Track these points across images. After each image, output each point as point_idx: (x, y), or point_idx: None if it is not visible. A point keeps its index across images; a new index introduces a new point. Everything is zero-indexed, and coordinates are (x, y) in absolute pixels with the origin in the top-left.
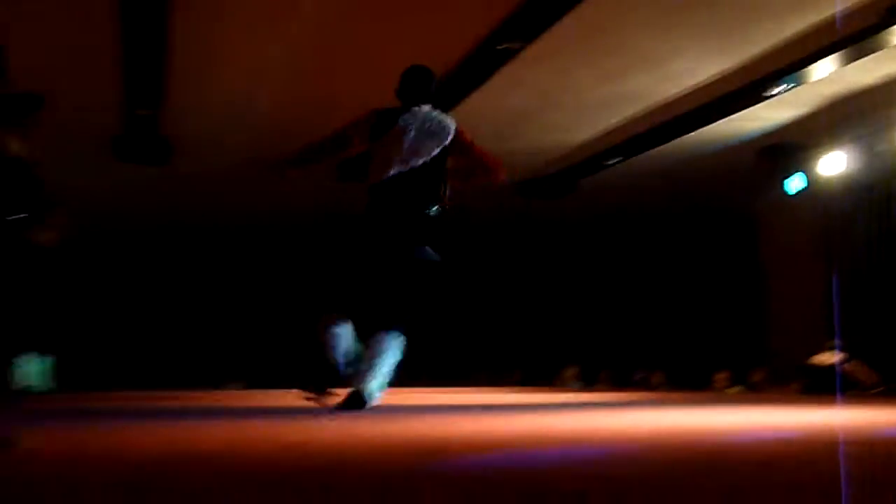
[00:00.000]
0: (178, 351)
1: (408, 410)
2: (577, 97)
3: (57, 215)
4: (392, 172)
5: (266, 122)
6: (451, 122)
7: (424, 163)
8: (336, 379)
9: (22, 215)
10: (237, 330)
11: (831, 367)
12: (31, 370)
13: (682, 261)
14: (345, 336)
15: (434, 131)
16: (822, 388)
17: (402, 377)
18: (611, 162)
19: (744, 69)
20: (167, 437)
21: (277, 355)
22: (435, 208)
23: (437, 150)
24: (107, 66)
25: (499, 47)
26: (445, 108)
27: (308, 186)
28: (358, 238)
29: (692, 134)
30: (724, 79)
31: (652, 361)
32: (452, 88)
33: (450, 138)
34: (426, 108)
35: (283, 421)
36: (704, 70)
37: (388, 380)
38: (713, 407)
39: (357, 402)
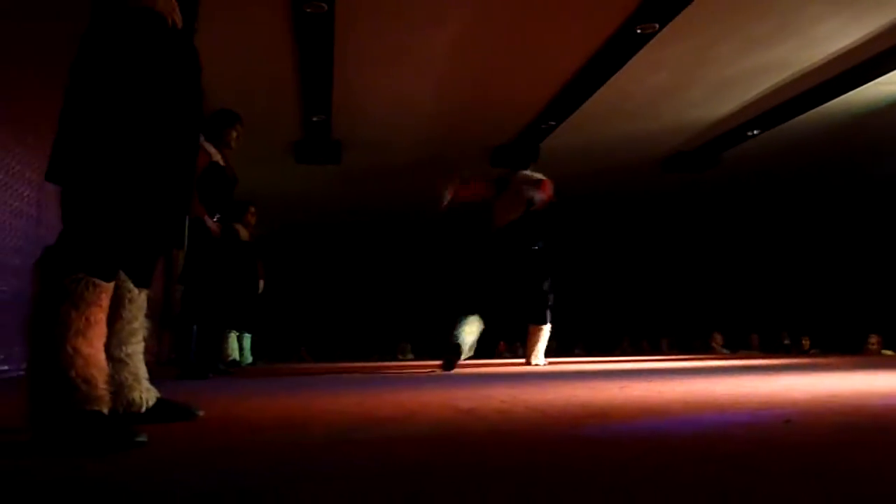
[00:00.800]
0: (356, 326)
1: (568, 377)
2: (717, 72)
3: (250, 214)
4: (511, 219)
5: (428, 119)
6: (541, 178)
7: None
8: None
9: (218, 216)
10: (406, 306)
11: None
12: (238, 346)
13: (830, 226)
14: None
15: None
16: None
17: (558, 350)
18: (752, 133)
19: (888, 31)
20: (355, 402)
21: (434, 332)
22: (539, 244)
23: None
24: (286, 82)
25: (637, 30)
26: (590, 92)
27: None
28: (490, 262)
29: (836, 100)
30: (867, 42)
31: (800, 326)
32: (594, 72)
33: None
34: (526, 171)
35: (457, 389)
36: (847, 34)
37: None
38: (871, 370)
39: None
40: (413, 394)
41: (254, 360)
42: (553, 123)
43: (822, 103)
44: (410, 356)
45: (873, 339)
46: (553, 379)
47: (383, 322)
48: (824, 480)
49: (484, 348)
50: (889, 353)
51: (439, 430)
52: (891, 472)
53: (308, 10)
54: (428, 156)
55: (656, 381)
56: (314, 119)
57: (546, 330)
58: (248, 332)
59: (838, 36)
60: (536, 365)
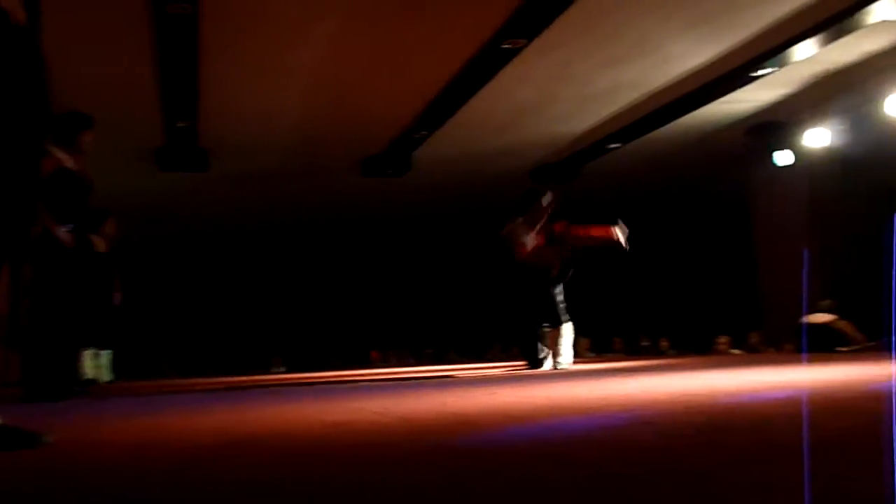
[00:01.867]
0: (224, 340)
1: (439, 385)
2: (579, 88)
3: (107, 223)
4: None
5: (299, 127)
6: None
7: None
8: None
9: (71, 225)
10: (277, 319)
11: (823, 325)
12: (94, 363)
13: (682, 236)
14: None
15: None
16: (815, 345)
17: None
18: (611, 147)
19: (733, 53)
20: (212, 423)
21: (312, 341)
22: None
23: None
24: (146, 85)
25: (503, 45)
26: (460, 104)
27: (336, 183)
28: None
29: (686, 117)
30: (715, 62)
31: (659, 328)
32: (463, 87)
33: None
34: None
35: (327, 402)
36: (698, 55)
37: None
38: (718, 369)
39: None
40: (284, 409)
41: (112, 377)
42: (425, 133)
43: (672, 120)
44: (282, 370)
45: (722, 339)
46: (426, 388)
47: (254, 335)
48: (679, 480)
49: (358, 356)
50: (736, 352)
51: (306, 446)
52: (735, 469)
53: (171, 11)
54: (298, 164)
55: (525, 386)
56: (179, 125)
57: (563, 330)
58: (106, 349)
59: (689, 56)
60: (559, 367)
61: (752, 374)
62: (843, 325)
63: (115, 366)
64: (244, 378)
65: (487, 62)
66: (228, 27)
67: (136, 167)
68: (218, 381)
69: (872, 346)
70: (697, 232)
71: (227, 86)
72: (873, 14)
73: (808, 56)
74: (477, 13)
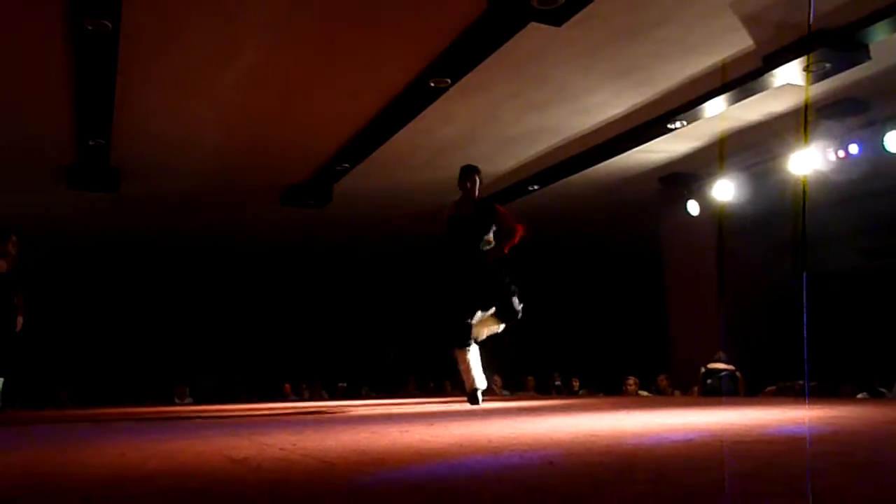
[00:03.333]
0: (128, 368)
1: (352, 422)
2: (501, 130)
3: (10, 242)
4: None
5: (216, 152)
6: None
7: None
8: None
9: None
10: (186, 347)
11: (723, 372)
12: None
13: (597, 278)
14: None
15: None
16: (716, 391)
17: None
18: (531, 189)
19: (649, 105)
20: (105, 456)
21: (223, 372)
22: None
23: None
24: (61, 101)
25: (431, 83)
26: (383, 139)
27: (254, 212)
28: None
29: (604, 163)
30: (632, 113)
31: (571, 368)
32: (387, 122)
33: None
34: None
35: (233, 437)
36: (616, 105)
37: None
38: (625, 410)
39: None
40: (188, 443)
41: (2, 405)
42: (347, 166)
43: (591, 165)
44: (189, 400)
45: (631, 380)
46: (337, 424)
47: (160, 364)
48: None
49: (270, 389)
50: (644, 393)
51: (209, 484)
52: None
53: (90, 28)
54: (214, 190)
55: (436, 423)
56: (90, 143)
57: (468, 352)
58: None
59: (608, 106)
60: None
61: (658, 415)
62: (740, 376)
63: (7, 393)
64: (148, 409)
65: (414, 99)
66: (148, 47)
67: (45, 185)
68: (119, 411)
69: (771, 390)
70: (611, 275)
71: (144, 106)
72: (778, 77)
73: (718, 112)
74: (406, 50)
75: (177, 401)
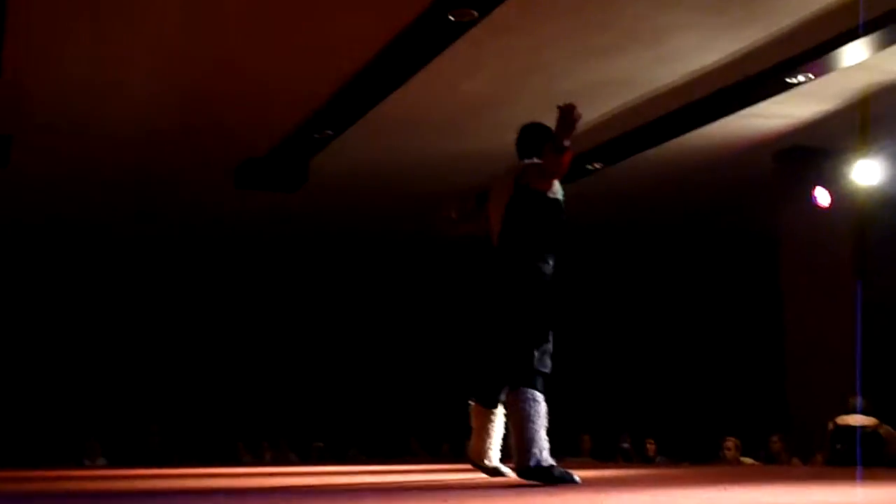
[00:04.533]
0: (19, 416)
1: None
2: (548, 83)
3: None
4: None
5: (143, 115)
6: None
7: None
8: None
9: None
10: (96, 388)
11: (862, 430)
12: None
13: (682, 293)
14: None
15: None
16: (851, 456)
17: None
18: (591, 168)
19: (758, 52)
20: None
21: (146, 421)
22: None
23: None
24: None
25: (450, 16)
26: (382, 95)
27: (198, 197)
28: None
29: (694, 133)
30: (733, 63)
31: (643, 426)
32: (385, 71)
33: None
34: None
35: None
36: (710, 51)
37: None
38: (722, 485)
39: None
40: None
41: None
42: (329, 133)
43: (676, 135)
44: (102, 461)
45: (730, 443)
46: (310, 496)
47: (64, 411)
48: None
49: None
50: (748, 460)
51: None
52: None
53: None
54: (143, 164)
55: (451, 499)
56: None
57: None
58: None
59: (702, 51)
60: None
61: (769, 493)
62: (887, 430)
63: None
64: (39, 473)
65: (427, 38)
66: None
67: None
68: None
69: None
70: (701, 294)
71: (47, 42)
72: None
73: (859, 61)
74: None
75: (86, 461)
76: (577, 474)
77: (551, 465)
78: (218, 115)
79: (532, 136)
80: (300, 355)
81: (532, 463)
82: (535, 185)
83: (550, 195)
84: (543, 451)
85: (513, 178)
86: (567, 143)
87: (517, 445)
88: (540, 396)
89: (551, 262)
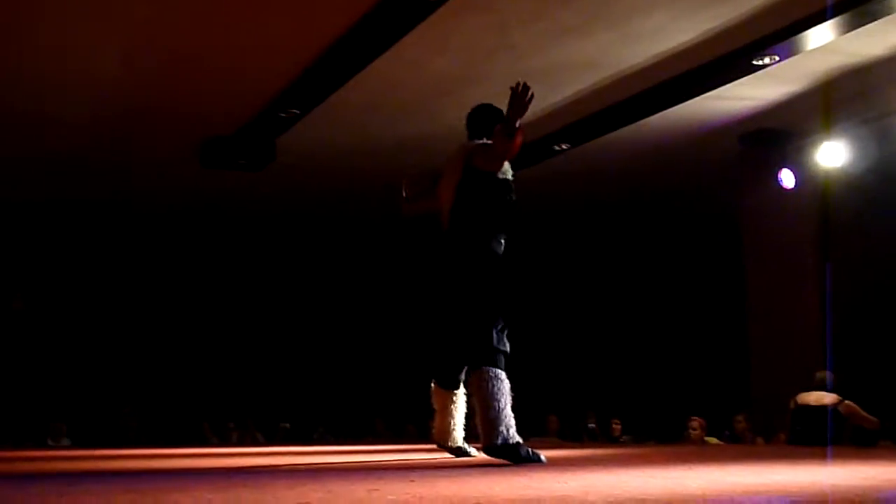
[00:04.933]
0: None
1: (300, 474)
2: (515, 63)
3: None
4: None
5: (107, 94)
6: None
7: None
8: None
9: None
10: (62, 367)
11: (822, 408)
12: None
13: (645, 274)
14: None
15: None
16: (811, 435)
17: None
18: (558, 148)
19: (725, 33)
20: None
21: (111, 400)
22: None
23: None
24: None
25: None
26: (345, 78)
27: (163, 177)
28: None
29: (660, 114)
30: (701, 44)
31: (609, 406)
32: (353, 50)
33: None
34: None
35: (132, 495)
36: (680, 31)
37: None
38: (687, 464)
39: None
40: (66, 501)
41: None
42: (296, 112)
43: (641, 117)
44: (65, 442)
45: (695, 422)
46: (279, 478)
47: (27, 389)
48: None
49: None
50: (713, 440)
51: None
52: None
53: None
54: (106, 146)
55: (419, 479)
56: None
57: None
58: None
59: (668, 32)
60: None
61: (733, 472)
62: (848, 408)
63: None
64: (3, 453)
65: (394, 16)
66: None
67: None
68: None
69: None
70: (670, 274)
71: (7, 22)
72: None
73: (824, 43)
74: None
75: (50, 442)
76: (543, 454)
77: (518, 443)
78: (183, 93)
79: (482, 116)
80: (266, 336)
81: (499, 441)
82: (484, 167)
83: (500, 175)
84: (510, 428)
85: (461, 159)
86: (517, 124)
87: (483, 424)
88: (502, 374)
89: (502, 242)
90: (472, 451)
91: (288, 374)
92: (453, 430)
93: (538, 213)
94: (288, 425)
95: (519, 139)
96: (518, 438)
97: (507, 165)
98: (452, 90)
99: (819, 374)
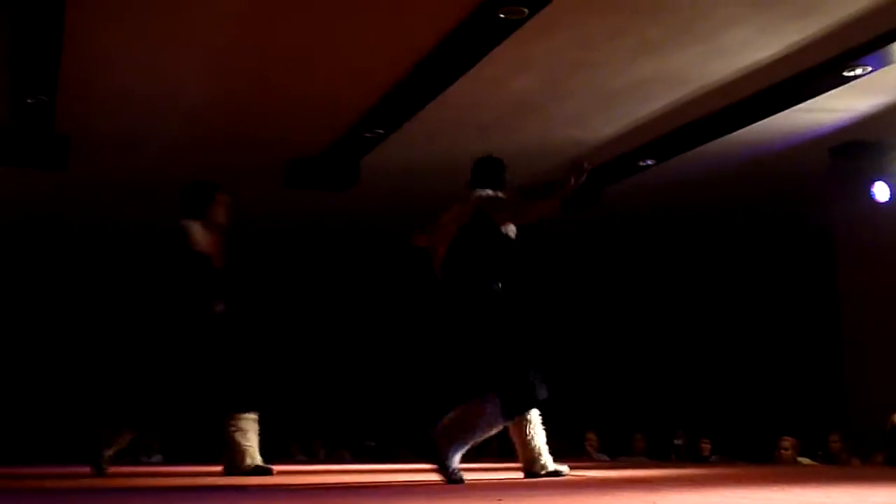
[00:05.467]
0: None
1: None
2: (599, 80)
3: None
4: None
5: (193, 118)
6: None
7: None
8: None
9: None
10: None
11: None
12: None
13: (735, 292)
14: None
15: None
16: None
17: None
18: (643, 164)
19: (815, 45)
20: None
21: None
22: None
23: None
24: None
25: (500, 14)
26: (433, 94)
27: (248, 197)
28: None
29: (748, 128)
30: (789, 56)
31: (698, 425)
32: (436, 71)
33: None
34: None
35: None
36: (765, 44)
37: None
38: (779, 485)
39: None
40: None
41: None
42: (380, 132)
43: (729, 131)
44: (158, 457)
45: (787, 442)
46: (363, 494)
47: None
48: None
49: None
50: (806, 461)
51: None
52: None
53: None
54: (193, 168)
55: (505, 498)
56: (29, 101)
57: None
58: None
59: (755, 46)
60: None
61: (829, 494)
62: None
63: None
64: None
65: (476, 36)
66: None
67: None
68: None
69: None
70: (758, 292)
71: (103, 52)
72: None
73: None
74: None
75: (143, 458)
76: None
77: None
78: (267, 116)
79: (491, 169)
80: (353, 357)
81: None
82: (509, 218)
83: (503, 230)
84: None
85: (472, 206)
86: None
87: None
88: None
89: (500, 287)
90: (564, 469)
91: (375, 392)
92: (538, 457)
93: (624, 228)
94: (373, 443)
95: (556, 209)
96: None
97: (512, 226)
98: (534, 109)
99: None
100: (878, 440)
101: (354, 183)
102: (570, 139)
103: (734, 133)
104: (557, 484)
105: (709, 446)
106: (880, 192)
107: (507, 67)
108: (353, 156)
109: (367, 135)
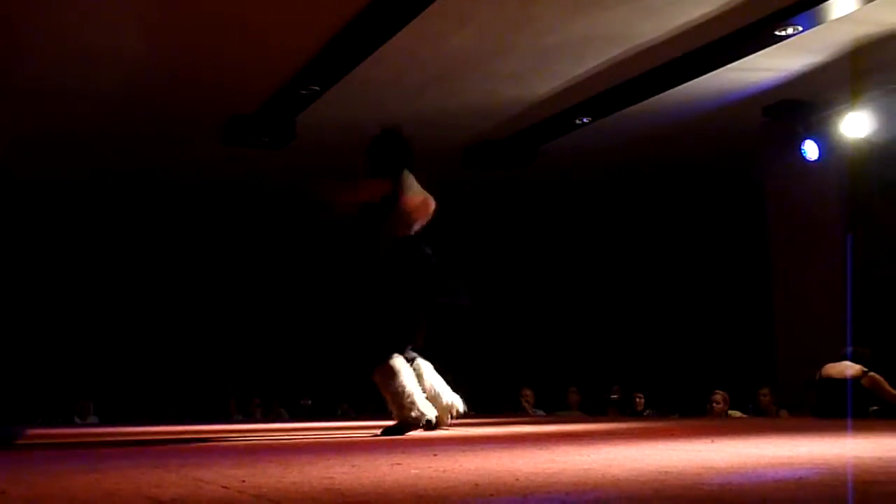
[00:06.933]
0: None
1: (323, 450)
2: (538, 38)
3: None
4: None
5: (132, 69)
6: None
7: None
8: None
9: None
10: (89, 347)
11: (844, 381)
12: None
13: (669, 247)
14: None
15: None
16: (834, 408)
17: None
18: (579, 122)
19: (747, 4)
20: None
21: (137, 380)
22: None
23: None
24: None
25: None
26: (369, 50)
27: (185, 155)
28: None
29: (682, 87)
30: (722, 16)
31: (632, 379)
32: (373, 25)
33: None
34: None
35: (158, 470)
36: (699, 3)
37: None
38: (710, 437)
39: None
40: (93, 479)
41: None
42: (316, 89)
43: (663, 90)
44: (93, 419)
45: (718, 396)
46: (302, 453)
47: (51, 368)
48: None
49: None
50: (737, 413)
51: None
52: None
53: None
54: (128, 123)
55: (442, 454)
56: None
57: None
58: None
59: (687, 5)
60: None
61: (756, 444)
62: (871, 381)
63: None
64: (38, 431)
65: None
66: None
67: None
68: None
69: None
70: (693, 248)
71: (31, 8)
72: None
73: (849, 12)
74: None
75: (77, 420)
76: (561, 427)
77: None
78: (205, 72)
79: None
80: (288, 312)
81: None
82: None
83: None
84: None
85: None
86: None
87: None
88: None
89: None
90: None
91: (310, 350)
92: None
93: (560, 186)
94: (310, 402)
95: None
96: None
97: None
98: (474, 65)
99: (844, 351)
100: (806, 394)
101: (291, 140)
102: (508, 98)
103: (668, 91)
104: (494, 439)
105: (643, 401)
106: (811, 150)
107: (446, 23)
108: (288, 113)
109: (303, 91)
